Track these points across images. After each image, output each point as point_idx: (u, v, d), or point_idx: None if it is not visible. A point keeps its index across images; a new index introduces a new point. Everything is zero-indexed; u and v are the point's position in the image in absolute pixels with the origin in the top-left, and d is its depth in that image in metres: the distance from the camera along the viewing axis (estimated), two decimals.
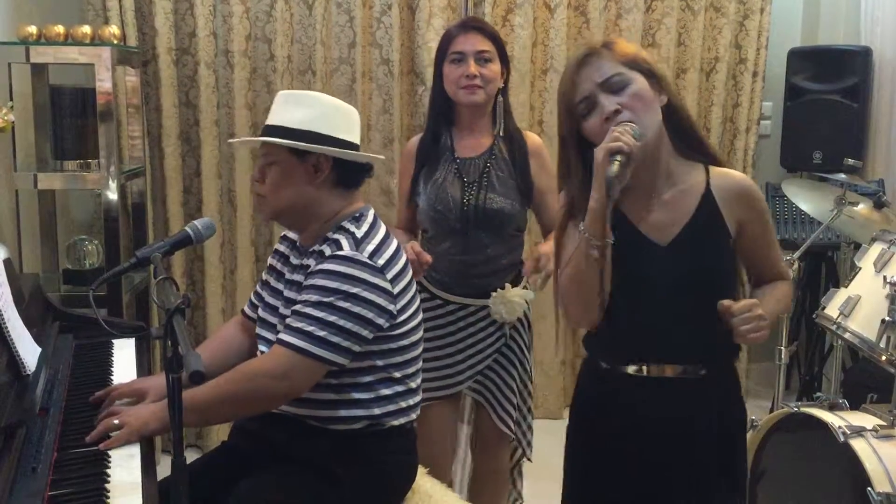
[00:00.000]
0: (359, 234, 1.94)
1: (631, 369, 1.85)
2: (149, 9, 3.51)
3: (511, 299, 2.53)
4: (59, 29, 3.05)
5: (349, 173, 2.00)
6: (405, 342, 1.98)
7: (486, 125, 2.61)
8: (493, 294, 2.53)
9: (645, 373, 1.84)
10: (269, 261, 2.16)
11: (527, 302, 2.58)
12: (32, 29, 3.03)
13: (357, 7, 3.69)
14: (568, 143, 1.82)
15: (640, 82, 1.77)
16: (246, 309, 2.25)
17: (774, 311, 1.87)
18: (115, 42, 3.13)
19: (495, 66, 2.55)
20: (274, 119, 1.98)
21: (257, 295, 2.18)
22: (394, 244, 1.99)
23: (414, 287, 2.03)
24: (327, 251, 1.91)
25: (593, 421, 1.94)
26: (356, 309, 1.86)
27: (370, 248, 1.92)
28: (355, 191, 2.04)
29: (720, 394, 1.88)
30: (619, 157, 1.66)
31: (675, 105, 1.85)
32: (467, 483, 2.84)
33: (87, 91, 3.13)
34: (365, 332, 1.89)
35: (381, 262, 1.91)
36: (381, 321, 1.90)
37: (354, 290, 1.86)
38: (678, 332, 1.80)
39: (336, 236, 1.94)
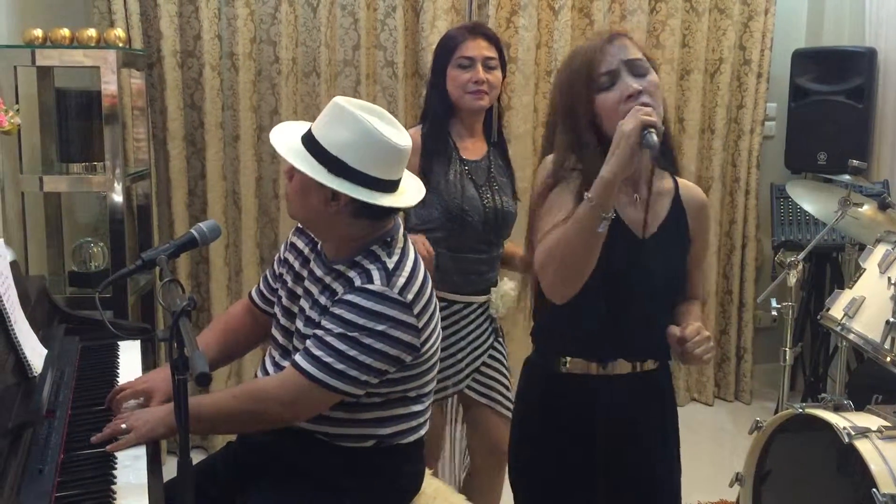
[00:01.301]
0: (390, 263, 1.85)
1: (593, 366, 1.89)
2: (154, 12, 3.52)
3: (507, 293, 2.62)
4: (65, 32, 3.06)
5: (371, 209, 1.84)
6: (424, 368, 1.93)
7: (480, 130, 2.67)
8: (494, 289, 2.62)
9: (608, 370, 1.88)
10: (285, 254, 2.07)
11: None
12: (38, 32, 3.04)
13: (361, 9, 3.69)
14: (580, 114, 1.81)
15: (656, 76, 1.83)
16: (253, 294, 2.17)
17: None
18: (121, 45, 3.14)
19: (499, 74, 2.60)
20: (316, 129, 1.85)
21: (269, 287, 2.12)
22: (421, 270, 1.91)
23: (437, 312, 1.96)
24: (357, 281, 1.84)
25: (544, 418, 1.95)
26: (379, 346, 1.80)
27: (401, 281, 1.83)
28: (384, 220, 1.91)
29: (666, 386, 2.00)
30: (653, 130, 1.67)
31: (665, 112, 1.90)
32: (461, 483, 2.85)
33: (93, 94, 3.15)
34: (386, 367, 1.84)
35: (410, 296, 1.83)
36: (404, 356, 1.85)
37: (380, 327, 1.80)
38: (645, 328, 1.86)
39: (366, 264, 1.86)
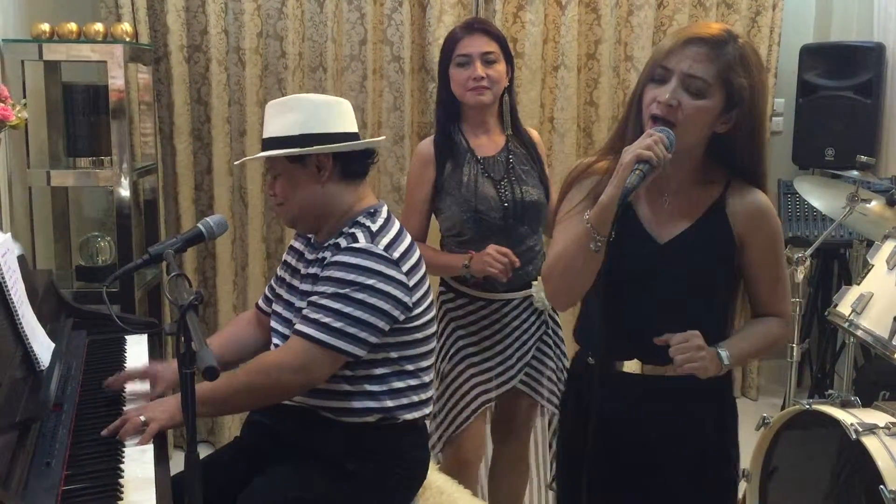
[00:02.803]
0: (374, 227, 1.97)
1: (617, 366, 1.85)
2: (161, 6, 3.53)
3: None
4: (72, 26, 3.07)
5: (353, 164, 2.01)
6: (419, 335, 2.00)
7: (496, 123, 2.64)
8: (535, 283, 2.58)
9: (624, 370, 1.84)
10: (285, 257, 2.18)
11: None
12: (45, 27, 3.05)
13: (368, 4, 3.69)
14: (634, 100, 1.78)
15: (713, 103, 1.71)
16: (260, 303, 2.26)
17: (745, 350, 1.84)
18: (128, 39, 3.14)
19: (500, 67, 2.57)
20: (267, 131, 2.00)
21: (272, 289, 2.20)
22: (407, 239, 2.02)
23: (427, 282, 2.05)
24: (343, 243, 1.94)
25: (575, 414, 1.93)
26: (372, 300, 1.88)
27: (385, 240, 1.94)
28: (364, 182, 2.06)
29: (704, 400, 1.86)
30: (642, 167, 1.63)
31: (741, 136, 1.75)
32: (486, 472, 2.85)
33: (100, 88, 3.15)
34: (381, 324, 1.90)
35: (396, 254, 1.94)
36: (396, 313, 1.92)
37: (370, 281, 1.88)
38: (664, 332, 1.77)
39: (352, 230, 1.97)
